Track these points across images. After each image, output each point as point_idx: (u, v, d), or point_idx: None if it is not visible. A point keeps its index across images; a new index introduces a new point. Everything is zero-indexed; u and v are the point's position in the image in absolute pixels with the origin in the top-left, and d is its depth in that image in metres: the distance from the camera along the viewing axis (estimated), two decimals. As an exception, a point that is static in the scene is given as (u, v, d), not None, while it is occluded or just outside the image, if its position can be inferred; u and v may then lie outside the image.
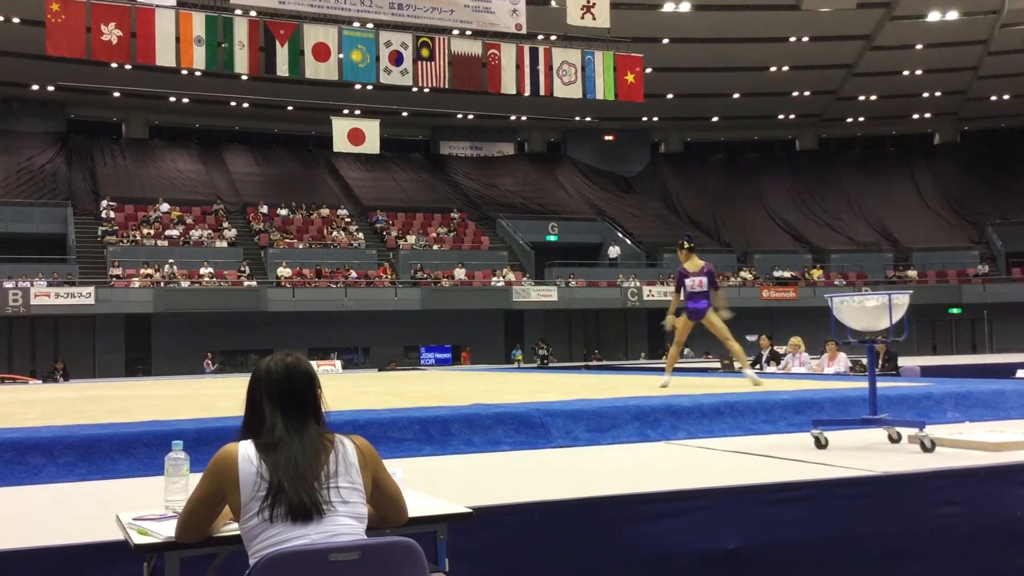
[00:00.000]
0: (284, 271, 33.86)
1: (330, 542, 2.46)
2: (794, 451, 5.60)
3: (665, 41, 38.81)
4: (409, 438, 5.89)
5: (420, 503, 3.08)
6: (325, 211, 39.52)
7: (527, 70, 26.36)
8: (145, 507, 3.50)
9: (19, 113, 39.88)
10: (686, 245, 9.80)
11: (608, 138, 48.28)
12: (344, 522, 2.55)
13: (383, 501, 2.77)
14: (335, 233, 37.82)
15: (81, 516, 4.12)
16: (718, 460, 5.49)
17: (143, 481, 5.01)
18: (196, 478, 3.16)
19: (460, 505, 3.17)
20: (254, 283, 33.19)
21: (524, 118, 45.69)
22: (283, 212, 38.76)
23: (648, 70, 28.85)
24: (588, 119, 46.10)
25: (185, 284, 32.12)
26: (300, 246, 36.27)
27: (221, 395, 10.31)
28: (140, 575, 3.00)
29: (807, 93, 46.04)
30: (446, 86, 26.40)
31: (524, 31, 26.11)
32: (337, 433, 2.74)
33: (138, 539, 2.74)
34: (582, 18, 26.27)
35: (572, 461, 5.55)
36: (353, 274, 34.53)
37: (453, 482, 4.81)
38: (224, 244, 35.47)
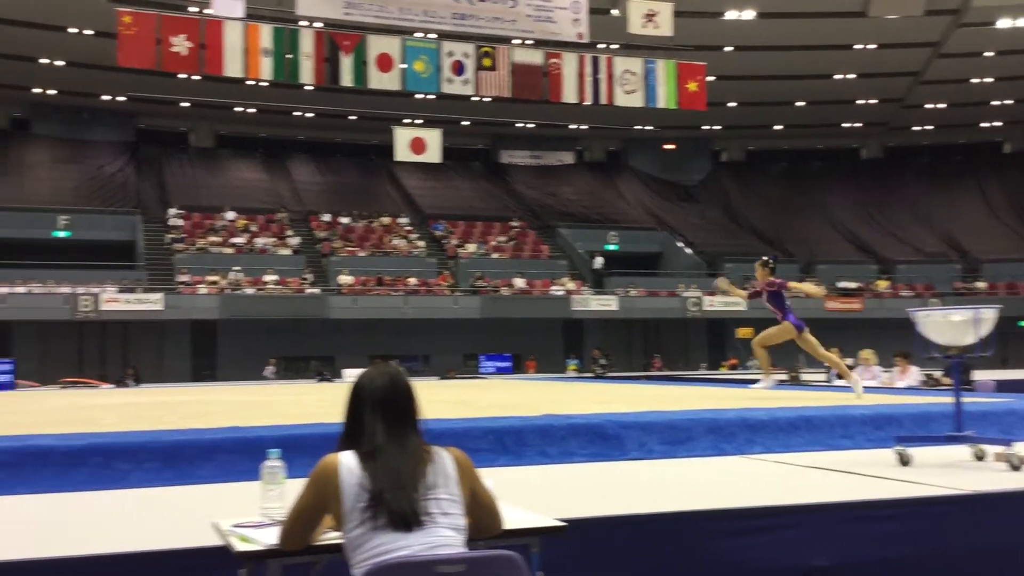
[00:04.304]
0: (346, 279, 34.22)
1: (435, 554, 2.47)
2: (876, 468, 5.49)
3: (728, 49, 38.49)
4: (484, 448, 5.90)
5: (512, 515, 3.08)
6: (386, 219, 39.87)
7: (588, 79, 26.30)
8: (230, 512, 3.55)
9: (90, 123, 40.91)
10: (771, 264, 10.28)
11: (668, 147, 47.99)
12: (445, 533, 2.56)
13: (479, 512, 2.78)
14: (396, 241, 38.13)
15: (172, 521, 4.19)
16: (798, 476, 5.41)
17: (224, 487, 5.09)
18: (292, 485, 3.21)
19: (551, 518, 3.17)
20: (316, 290, 33.61)
21: (584, 127, 45.63)
22: (345, 220, 39.19)
23: (711, 78, 28.63)
24: (648, 128, 45.88)
25: (250, 291, 32.64)
26: (361, 254, 36.63)
27: (289, 402, 10.45)
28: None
29: (873, 101, 45.29)
30: (507, 95, 26.46)
31: (586, 40, 26.09)
32: (433, 445, 2.76)
33: (240, 546, 2.78)
34: (644, 26, 26.18)
35: (649, 474, 5.51)
36: (413, 282, 34.78)
37: (532, 493, 4.80)
38: (288, 252, 35.99)
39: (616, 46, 27.65)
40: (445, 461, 2.70)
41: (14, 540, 3.76)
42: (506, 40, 25.99)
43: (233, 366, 30.82)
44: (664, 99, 26.54)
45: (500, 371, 31.04)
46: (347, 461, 2.63)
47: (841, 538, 4.08)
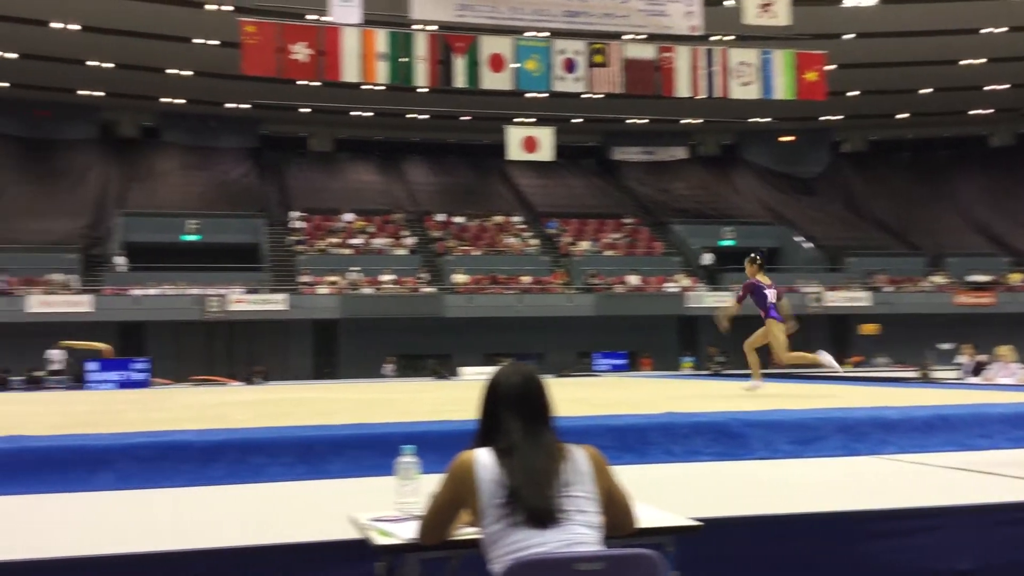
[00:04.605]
0: (460, 278, 34.62)
1: (573, 551, 2.47)
2: (1019, 468, 5.24)
3: (849, 36, 37.29)
4: (606, 446, 5.84)
5: (645, 514, 3.06)
6: (499, 218, 40.16)
7: (702, 72, 25.92)
8: (362, 507, 3.62)
9: (216, 130, 42.52)
10: (758, 260, 10.57)
11: (786, 139, 46.85)
12: (581, 531, 2.56)
13: (614, 511, 2.77)
14: (509, 240, 38.37)
15: (307, 514, 4.31)
16: (936, 476, 5.21)
17: (354, 482, 5.20)
18: (426, 480, 3.26)
19: (684, 517, 3.13)
20: (432, 289, 34.11)
21: (697, 121, 44.98)
22: (459, 220, 39.66)
23: (830, 67, 27.80)
24: (765, 120, 44.90)
25: (368, 291, 33.38)
26: (475, 253, 37.01)
27: (410, 399, 10.63)
28: (371, 574, 3.10)
29: (1003, 87, 43.18)
30: (619, 91, 26.29)
31: (700, 32, 25.69)
32: (567, 443, 2.77)
33: (380, 540, 2.84)
34: (760, 16, 25.61)
35: (778, 474, 5.39)
36: (527, 280, 34.92)
37: (659, 492, 4.75)
38: (404, 252, 36.65)
39: (731, 37, 27.16)
40: (580, 459, 2.70)
41: (160, 532, 3.94)
42: (618, 36, 25.85)
43: (353, 364, 31.56)
44: (782, 90, 25.94)
45: (615, 369, 30.89)
46: (483, 458, 2.65)
47: (985, 541, 3.92)
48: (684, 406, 7.78)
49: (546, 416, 2.77)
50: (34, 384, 24.62)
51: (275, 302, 31.55)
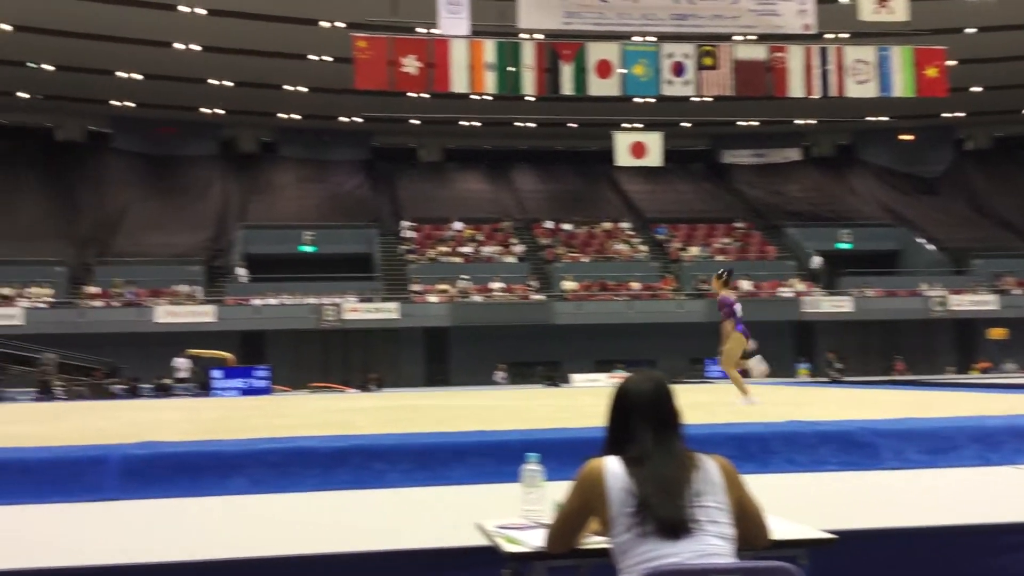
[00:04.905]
0: (569, 284, 34.60)
1: (706, 562, 2.42)
2: None
3: (970, 31, 35.83)
4: (728, 455, 5.73)
5: (778, 526, 2.98)
6: (608, 224, 40.00)
7: (816, 71, 25.30)
8: (483, 513, 3.64)
9: (330, 144, 43.65)
10: (724, 276, 11.18)
11: (905, 137, 45.28)
12: (714, 542, 2.51)
13: (746, 522, 2.71)
14: (618, 246, 38.17)
15: (430, 520, 4.36)
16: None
17: (475, 488, 5.24)
18: (552, 488, 3.25)
19: (817, 529, 3.04)
20: (541, 297, 34.19)
21: (811, 122, 43.91)
22: (567, 227, 39.66)
23: (951, 62, 26.76)
24: (882, 119, 43.50)
25: (478, 298, 33.68)
26: (584, 260, 36.94)
27: (524, 406, 10.66)
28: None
29: None
30: (729, 94, 25.88)
31: (813, 31, 25.08)
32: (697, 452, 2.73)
33: (508, 547, 2.84)
34: (876, 12, 24.85)
35: (910, 485, 5.20)
36: (636, 286, 34.66)
37: (784, 503, 4.63)
38: (513, 259, 36.86)
39: (846, 35, 26.44)
40: (711, 468, 2.65)
41: (290, 537, 4.04)
42: (727, 37, 25.45)
43: (464, 371, 31.87)
44: (900, 87, 25.10)
45: (727, 376, 30.33)
46: (612, 466, 2.63)
47: None
48: (805, 414, 7.58)
49: (676, 424, 2.74)
50: (162, 391, 25.67)
51: (387, 310, 32.15)
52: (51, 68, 36.73)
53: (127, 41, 34.49)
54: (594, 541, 2.81)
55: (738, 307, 10.98)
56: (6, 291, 31.80)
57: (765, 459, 5.77)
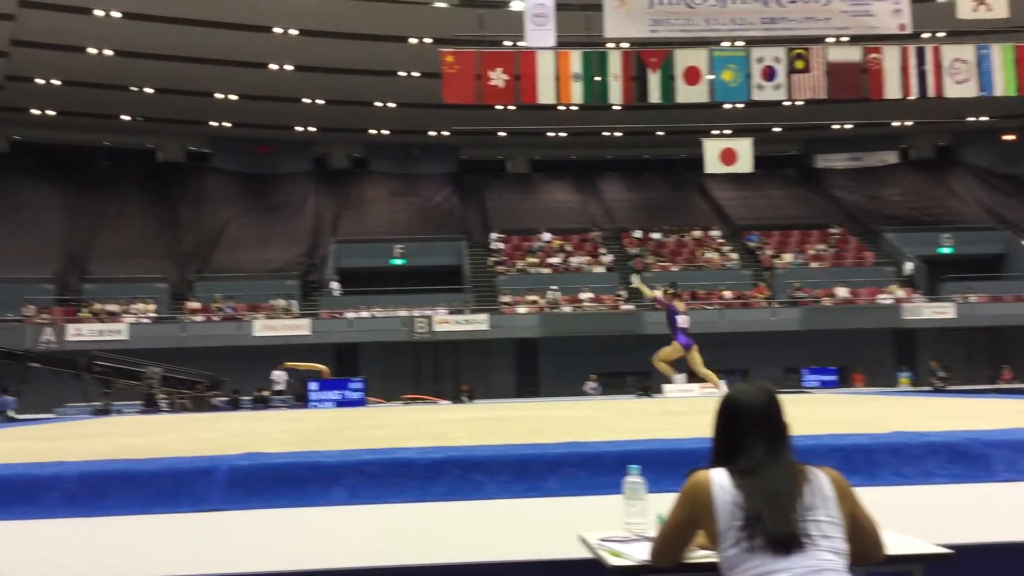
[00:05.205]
0: (659, 294, 34.24)
1: (818, 578, 2.36)
2: None
3: (1076, 24, 34.38)
4: (831, 468, 5.61)
5: (891, 540, 2.89)
6: (697, 233, 39.56)
7: (912, 72, 24.64)
8: (581, 525, 3.62)
9: (419, 158, 44.23)
10: (675, 291, 12.22)
11: (1008, 137, 43.65)
12: (826, 557, 2.45)
13: (860, 536, 2.63)
14: (708, 254, 37.69)
15: (529, 532, 4.35)
16: None
17: (571, 500, 5.21)
18: (654, 501, 3.21)
19: (931, 544, 2.94)
20: (631, 307, 33.95)
21: (908, 123, 42.72)
22: (656, 236, 39.35)
23: (1058, 58, 25.69)
24: (983, 119, 42.05)
25: (567, 309, 33.65)
26: (674, 269, 36.58)
27: (618, 417, 10.58)
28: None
29: None
30: (822, 97, 25.40)
31: (908, 31, 24.43)
32: (807, 465, 2.66)
33: (612, 560, 2.82)
34: (975, 10, 24.07)
35: (1027, 498, 4.98)
36: (728, 295, 34.16)
37: (895, 517, 4.49)
38: (601, 269, 36.73)
39: (943, 34, 25.66)
40: (822, 482, 2.59)
41: (392, 548, 4.09)
42: (819, 39, 24.98)
43: (554, 382, 31.85)
44: (1002, 86, 24.25)
45: (824, 385, 29.65)
46: (719, 478, 2.59)
47: None
48: (911, 425, 7.34)
49: (786, 436, 2.68)
50: (261, 403, 26.29)
51: (477, 322, 32.36)
52: (152, 91, 38.14)
53: (224, 63, 35.61)
54: (700, 555, 2.77)
55: (682, 319, 11.92)
56: (112, 307, 33.06)
57: (871, 472, 5.60)
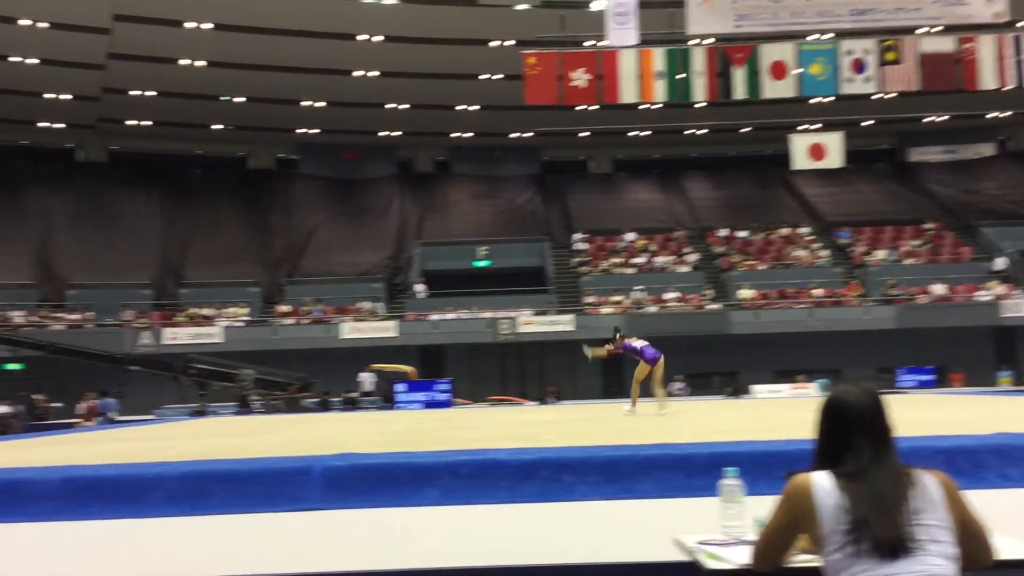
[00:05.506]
0: (746, 293, 33.77)
1: (927, 584, 2.30)
2: None
3: None
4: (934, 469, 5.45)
5: (1002, 544, 2.79)
6: (785, 230, 38.83)
7: (1009, 61, 23.85)
8: (678, 528, 3.58)
9: (502, 160, 44.41)
10: (618, 334, 14.00)
11: (1115, 126, 41.80)
12: (935, 562, 2.38)
13: (970, 541, 2.55)
14: (797, 252, 36.97)
15: (623, 535, 4.32)
16: None
17: (664, 502, 5.16)
18: (752, 503, 3.16)
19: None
20: (717, 306, 33.52)
21: (1006, 114, 41.21)
22: (742, 234, 38.76)
23: None
24: (1089, 106, 40.31)
25: (652, 309, 33.37)
26: (761, 267, 35.98)
27: (707, 419, 10.46)
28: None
29: None
30: (914, 89, 24.74)
31: (1005, 19, 23.61)
32: (914, 467, 2.59)
33: (710, 563, 2.79)
34: (1076, -5, 23.16)
35: None
36: (818, 293, 33.45)
37: (1001, 519, 4.33)
38: (687, 269, 36.34)
39: (1040, 21, 24.67)
40: (929, 485, 2.51)
41: (484, 549, 4.11)
42: (911, 30, 24.36)
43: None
44: (1105, 73, 23.28)
45: (921, 385, 28.80)
46: (821, 481, 2.53)
47: None
48: (1015, 426, 7.08)
49: (891, 439, 2.61)
50: (350, 405, 26.72)
51: (562, 323, 32.32)
52: (242, 100, 39.14)
53: (310, 71, 36.33)
54: (802, 559, 2.72)
55: (636, 343, 13.46)
56: (207, 311, 34.02)
57: (976, 474, 5.43)
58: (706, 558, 2.85)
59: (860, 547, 2.40)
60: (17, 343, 27.19)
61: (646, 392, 13.94)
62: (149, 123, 40.72)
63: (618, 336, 13.94)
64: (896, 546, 2.38)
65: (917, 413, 10.31)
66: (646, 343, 13.49)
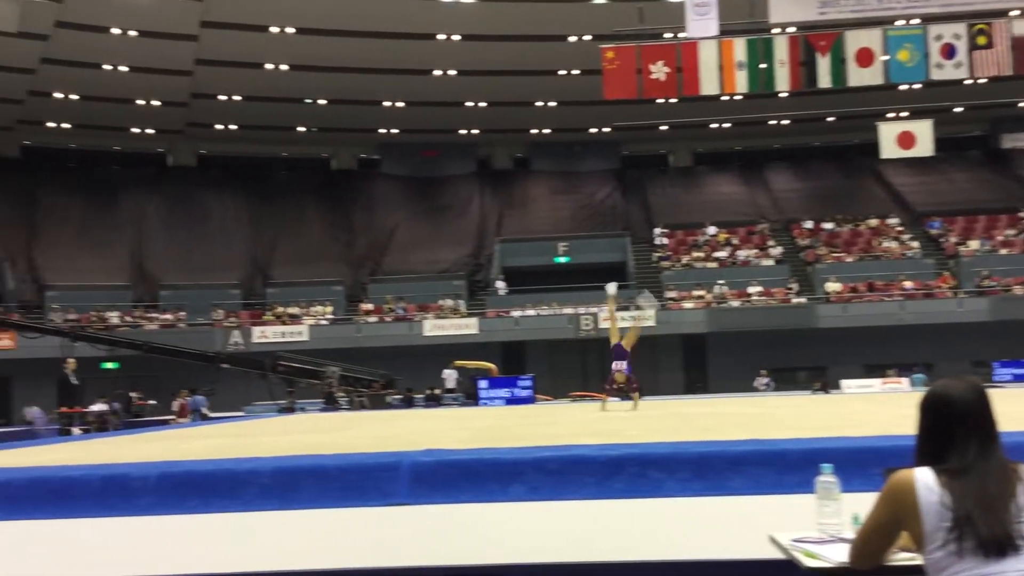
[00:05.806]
0: (833, 286, 33.05)
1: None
2: None
3: None
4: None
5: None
6: (873, 221, 37.87)
7: (1110, 42, 22.84)
8: (772, 525, 3.52)
9: (581, 155, 44.27)
10: None
11: None
12: (1044, 562, 2.29)
13: (1079, 541, 2.44)
14: (886, 243, 36.04)
15: (716, 531, 4.28)
16: None
17: (756, 499, 5.09)
18: (848, 500, 3.10)
19: None
20: (803, 300, 32.89)
21: (1107, 96, 39.44)
22: (828, 226, 37.94)
23: None
24: None
25: (735, 304, 32.91)
26: (848, 259, 35.18)
27: (795, 414, 10.27)
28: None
29: None
30: (1007, 73, 23.90)
31: (1106, -4, 22.64)
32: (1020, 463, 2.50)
33: (808, 562, 2.74)
34: None
35: None
36: (909, 285, 32.56)
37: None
38: (770, 262, 35.73)
39: None
40: (1036, 482, 2.42)
41: (571, 545, 4.10)
42: (1002, 13, 23.52)
43: (723, 378, 31.21)
44: None
45: (1017, 379, 27.79)
46: (924, 478, 2.46)
47: None
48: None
49: (996, 434, 2.52)
50: (433, 401, 26.97)
51: (644, 318, 32.01)
52: (325, 102, 39.80)
53: (390, 72, 36.75)
54: (902, 557, 2.65)
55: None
56: (293, 310, 34.72)
57: (1082, 472, 5.21)
58: (803, 556, 2.80)
59: (963, 545, 2.33)
60: (114, 343, 28.11)
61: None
62: (235, 127, 41.70)
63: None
64: (1002, 544, 2.30)
65: (1016, 407, 9.97)
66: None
